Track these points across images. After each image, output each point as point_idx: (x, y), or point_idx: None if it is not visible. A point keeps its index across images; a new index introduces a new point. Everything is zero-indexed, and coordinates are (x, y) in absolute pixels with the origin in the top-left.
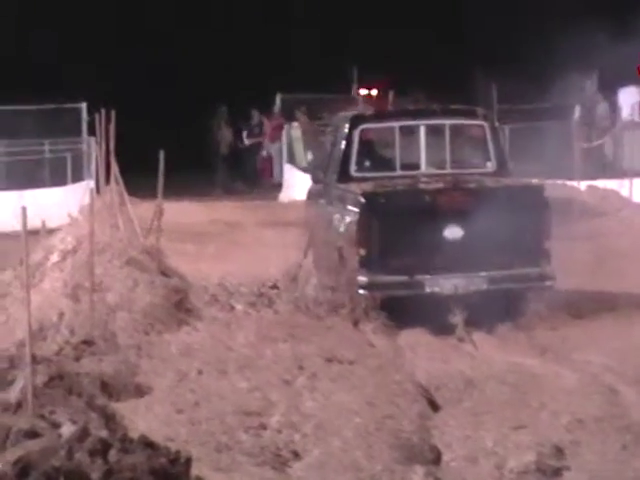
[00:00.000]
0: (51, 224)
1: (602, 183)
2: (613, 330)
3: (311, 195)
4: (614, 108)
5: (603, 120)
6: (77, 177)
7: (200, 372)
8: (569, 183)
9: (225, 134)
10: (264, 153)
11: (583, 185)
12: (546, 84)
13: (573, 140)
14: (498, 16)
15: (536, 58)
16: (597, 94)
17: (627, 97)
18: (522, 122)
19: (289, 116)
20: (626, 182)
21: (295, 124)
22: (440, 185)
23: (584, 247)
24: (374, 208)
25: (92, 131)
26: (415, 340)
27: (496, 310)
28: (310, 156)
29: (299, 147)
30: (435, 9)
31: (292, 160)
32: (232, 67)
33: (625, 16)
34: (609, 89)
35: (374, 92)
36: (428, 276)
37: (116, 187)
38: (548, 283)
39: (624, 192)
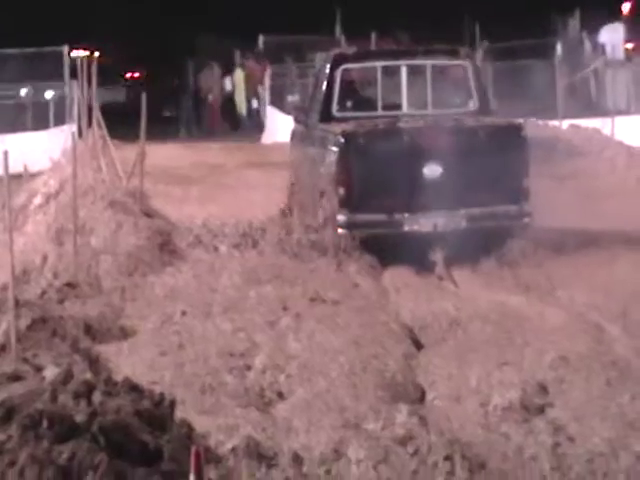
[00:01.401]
0: (34, 168)
1: (585, 122)
2: (597, 267)
3: (294, 136)
4: (597, 46)
5: (586, 58)
6: (59, 121)
7: (184, 314)
8: (551, 122)
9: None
10: (210, 98)
11: (566, 124)
12: (530, 23)
13: (556, 79)
14: None
15: None
16: (580, 32)
17: (610, 35)
18: (506, 61)
19: (273, 58)
20: (608, 121)
21: (238, 70)
22: (419, 124)
23: (567, 186)
24: (353, 147)
25: (74, 75)
26: (399, 280)
27: (477, 248)
28: (255, 103)
29: (240, 93)
30: None
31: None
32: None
33: None
34: (592, 28)
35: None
36: (407, 214)
37: (98, 130)
38: (526, 220)
39: (606, 131)
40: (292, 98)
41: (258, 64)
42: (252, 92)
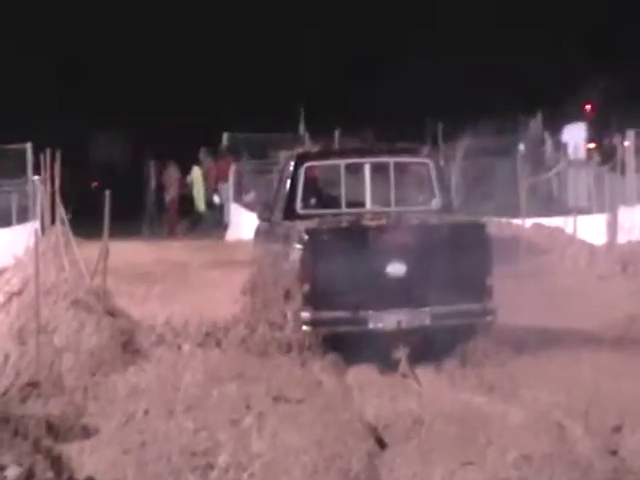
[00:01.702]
0: None
1: (547, 220)
2: (560, 366)
3: (258, 233)
4: (559, 146)
5: (548, 158)
6: (22, 218)
7: (147, 413)
8: (515, 221)
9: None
10: (167, 198)
11: (528, 222)
12: (492, 122)
13: (518, 178)
14: (444, 55)
15: (482, 97)
16: (542, 132)
17: (572, 134)
18: (468, 160)
19: (237, 155)
20: (570, 219)
21: (196, 167)
22: (382, 222)
23: (530, 285)
24: (317, 244)
25: (37, 171)
26: (363, 378)
27: (441, 346)
28: (217, 199)
29: (198, 190)
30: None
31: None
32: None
33: (568, 57)
34: (554, 127)
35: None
36: (372, 312)
37: (61, 227)
38: (489, 318)
39: (569, 229)
40: (247, 197)
41: (221, 161)
42: (212, 189)
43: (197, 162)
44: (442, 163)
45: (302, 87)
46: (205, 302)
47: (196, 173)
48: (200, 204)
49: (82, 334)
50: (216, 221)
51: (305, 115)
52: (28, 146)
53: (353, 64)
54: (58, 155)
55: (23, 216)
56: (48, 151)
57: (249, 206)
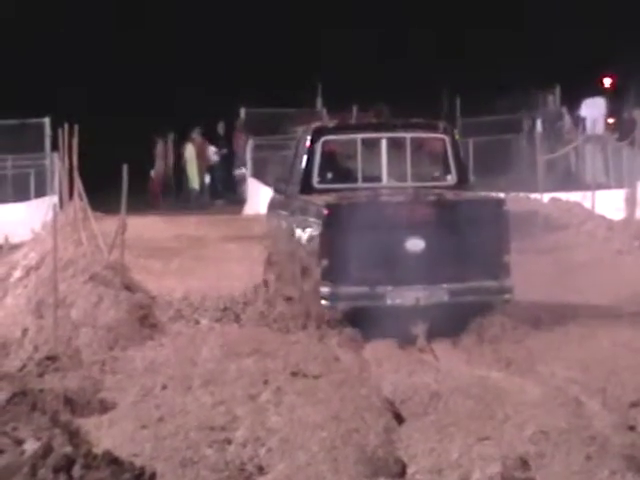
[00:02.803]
0: (14, 240)
1: (565, 196)
2: (576, 342)
3: (273, 206)
4: (577, 121)
5: (566, 133)
6: (40, 193)
7: (164, 387)
8: (532, 196)
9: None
10: (152, 173)
11: (546, 197)
12: (511, 97)
13: (536, 153)
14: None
15: (501, 72)
16: (560, 107)
17: (590, 110)
18: (486, 135)
19: (256, 130)
20: (589, 194)
21: (189, 144)
22: (401, 198)
23: (547, 260)
24: (337, 220)
25: (55, 146)
26: (381, 353)
27: (458, 322)
28: (208, 178)
29: (192, 168)
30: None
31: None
32: (198, 80)
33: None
34: (573, 101)
35: None
36: (390, 287)
37: (79, 202)
38: (507, 296)
39: (587, 204)
40: (239, 171)
41: (238, 136)
42: (204, 167)
43: (190, 140)
44: (458, 138)
45: (319, 62)
46: (223, 276)
47: (189, 151)
48: (194, 182)
49: (100, 308)
50: (205, 199)
51: (323, 90)
52: (46, 121)
53: (371, 39)
54: (76, 130)
55: (41, 191)
56: (66, 126)
57: (239, 182)
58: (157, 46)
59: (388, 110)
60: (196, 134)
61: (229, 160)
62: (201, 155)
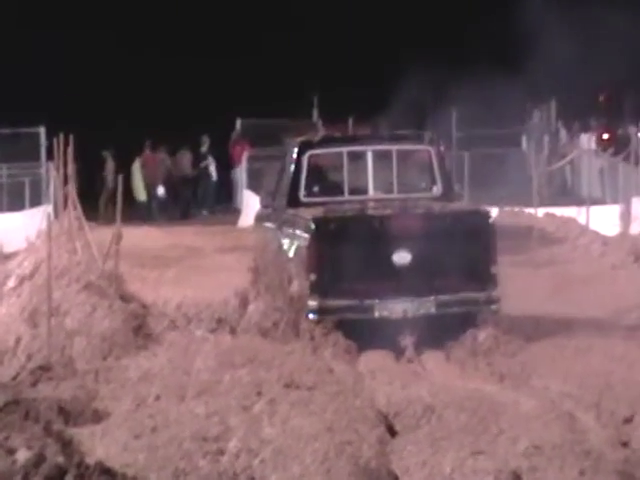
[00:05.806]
0: (9, 249)
1: (560, 210)
2: (571, 356)
3: (259, 219)
4: (573, 136)
5: (562, 147)
6: (35, 202)
7: (158, 397)
8: (528, 210)
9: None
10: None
11: (541, 212)
12: (506, 111)
13: (531, 167)
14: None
15: (496, 86)
16: (556, 122)
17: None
18: (481, 148)
19: (252, 141)
20: (583, 210)
21: (137, 159)
22: (388, 211)
23: (542, 274)
24: (324, 233)
25: (50, 156)
26: (374, 365)
27: (447, 333)
28: (161, 190)
29: (137, 180)
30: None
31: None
32: (193, 91)
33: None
34: (568, 117)
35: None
36: (378, 300)
37: (74, 212)
38: (494, 307)
39: (581, 219)
40: (204, 162)
41: (236, 146)
42: (153, 179)
43: (140, 154)
44: (443, 150)
45: (316, 74)
46: (217, 287)
47: (135, 164)
48: (139, 194)
49: (94, 318)
50: (161, 211)
51: (319, 102)
52: (42, 130)
53: (368, 51)
54: (71, 139)
55: (36, 200)
56: (62, 135)
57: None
58: (155, 54)
59: (385, 123)
60: (146, 146)
61: (225, 170)
62: (150, 167)
